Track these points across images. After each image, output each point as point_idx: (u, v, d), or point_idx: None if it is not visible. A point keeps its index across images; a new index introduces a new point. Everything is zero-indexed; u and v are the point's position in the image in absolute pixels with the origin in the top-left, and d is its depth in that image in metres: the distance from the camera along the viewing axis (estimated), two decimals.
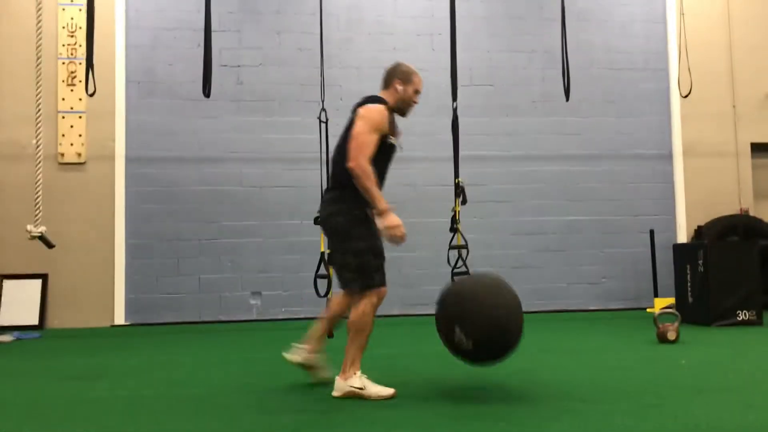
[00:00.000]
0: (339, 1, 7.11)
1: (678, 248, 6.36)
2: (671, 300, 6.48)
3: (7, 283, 6.48)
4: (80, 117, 6.70)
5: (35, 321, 6.41)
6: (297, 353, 3.37)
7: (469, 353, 2.99)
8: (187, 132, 6.85)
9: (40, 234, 5.47)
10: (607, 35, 7.47)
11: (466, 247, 4.84)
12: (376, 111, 3.17)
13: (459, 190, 4.66)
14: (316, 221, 4.08)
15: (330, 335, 3.98)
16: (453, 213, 4.89)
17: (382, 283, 3.08)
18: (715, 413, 2.65)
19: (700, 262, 5.78)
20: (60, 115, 6.67)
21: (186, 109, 6.85)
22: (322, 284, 3.91)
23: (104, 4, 6.53)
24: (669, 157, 7.44)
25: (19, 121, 6.49)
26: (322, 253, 3.98)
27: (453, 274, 4.75)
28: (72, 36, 6.73)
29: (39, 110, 5.59)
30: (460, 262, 4.80)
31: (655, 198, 7.39)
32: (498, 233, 7.01)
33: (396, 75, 3.34)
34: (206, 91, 4.79)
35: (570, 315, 6.83)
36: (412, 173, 6.95)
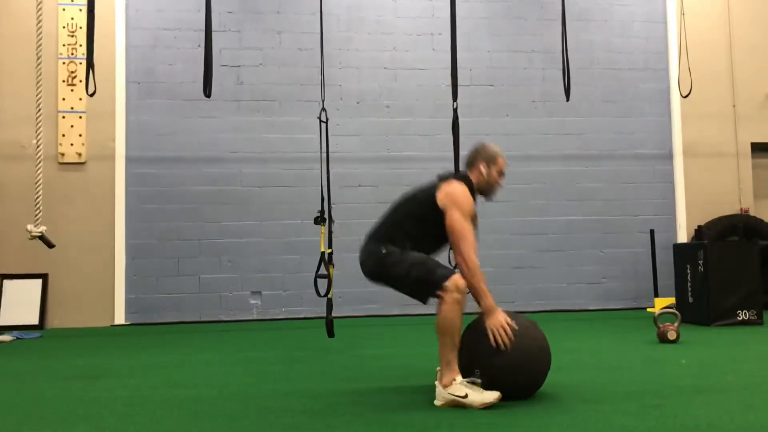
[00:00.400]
0: (339, 1, 7.11)
1: (678, 248, 6.36)
2: (671, 300, 6.48)
3: (7, 283, 6.49)
4: (80, 117, 6.70)
5: (35, 321, 6.41)
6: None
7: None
8: (187, 132, 6.85)
9: (40, 234, 5.47)
10: (607, 35, 7.47)
11: None
12: (464, 196, 3.04)
13: None
14: (316, 221, 4.08)
15: (331, 335, 3.98)
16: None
17: (446, 274, 2.92)
18: (715, 413, 2.65)
19: (700, 262, 5.78)
20: (60, 115, 6.67)
21: (186, 109, 6.86)
22: (322, 284, 3.90)
23: (104, 4, 6.53)
24: (669, 157, 7.44)
25: (19, 121, 6.49)
26: (322, 253, 3.97)
27: None
28: (72, 36, 6.73)
29: (39, 110, 5.59)
30: None
31: (655, 198, 7.39)
32: (498, 233, 7.02)
33: (481, 156, 3.20)
34: (207, 91, 4.78)
35: (570, 315, 6.83)
36: (412, 173, 6.94)
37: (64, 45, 6.72)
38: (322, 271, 3.94)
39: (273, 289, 6.84)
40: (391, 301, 6.92)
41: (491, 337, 2.87)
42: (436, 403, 2.92)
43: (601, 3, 7.50)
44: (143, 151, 6.77)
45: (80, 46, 6.67)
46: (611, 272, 7.26)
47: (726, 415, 2.62)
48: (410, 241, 3.09)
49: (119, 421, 2.73)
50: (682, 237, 7.31)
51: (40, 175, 5.58)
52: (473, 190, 3.15)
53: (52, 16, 6.58)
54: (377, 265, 3.09)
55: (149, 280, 6.69)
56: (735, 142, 7.53)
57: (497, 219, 7.01)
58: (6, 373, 4.04)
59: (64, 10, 6.74)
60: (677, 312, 4.92)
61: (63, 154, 6.64)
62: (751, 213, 7.38)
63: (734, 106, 7.54)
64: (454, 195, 3.04)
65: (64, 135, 6.66)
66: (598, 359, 4.10)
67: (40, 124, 5.57)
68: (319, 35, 4.81)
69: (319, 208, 4.11)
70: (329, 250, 4.00)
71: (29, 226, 5.47)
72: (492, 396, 2.81)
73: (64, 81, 6.70)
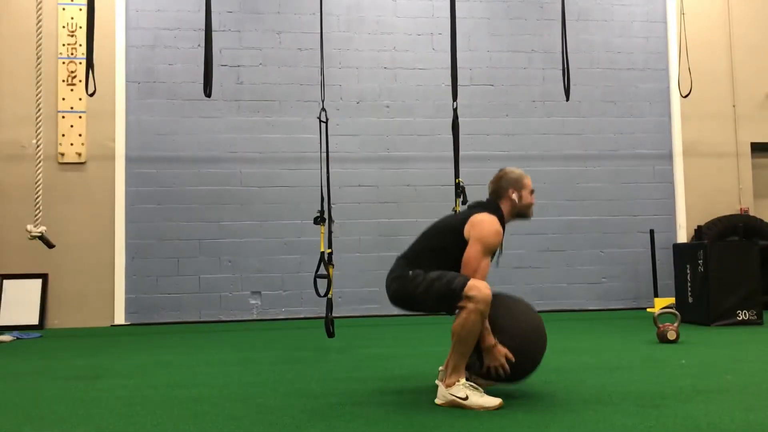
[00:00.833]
0: (339, 1, 7.11)
1: (678, 248, 6.36)
2: (671, 300, 6.49)
3: (7, 283, 6.49)
4: (80, 117, 6.70)
5: (35, 321, 6.41)
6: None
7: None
8: (187, 132, 6.85)
9: (40, 234, 5.47)
10: (607, 35, 7.47)
11: None
12: (494, 234, 2.97)
13: (459, 190, 4.64)
14: (316, 221, 4.08)
15: (331, 335, 3.98)
16: (453, 213, 4.87)
17: (464, 282, 2.86)
18: (715, 413, 2.65)
19: (700, 262, 5.78)
20: (60, 115, 6.67)
21: (186, 109, 6.86)
22: (322, 284, 3.91)
23: (104, 4, 6.54)
24: (669, 157, 7.44)
25: (19, 121, 6.49)
26: (322, 253, 3.97)
27: None
28: (72, 36, 6.73)
29: (39, 110, 5.59)
30: None
31: (655, 198, 7.40)
32: None
33: (508, 184, 3.15)
34: (207, 91, 4.78)
35: (570, 315, 6.83)
36: (412, 173, 6.95)
37: (64, 45, 6.72)
38: (322, 271, 3.94)
39: (273, 289, 6.84)
40: None
41: (492, 371, 2.92)
42: (437, 402, 2.92)
43: (601, 3, 7.50)
44: (143, 151, 6.77)
45: (80, 45, 6.67)
46: (611, 272, 7.26)
47: (726, 415, 2.62)
48: (438, 269, 3.01)
49: (119, 421, 2.73)
50: (682, 237, 7.31)
51: (40, 175, 5.58)
52: (503, 220, 3.11)
53: (52, 15, 6.58)
54: (402, 286, 3.03)
55: (149, 280, 6.69)
56: (735, 142, 7.53)
57: None
58: (6, 373, 4.03)
59: (64, 9, 6.74)
60: (677, 312, 4.92)
61: (63, 154, 6.64)
62: (751, 213, 7.38)
63: (734, 106, 7.54)
64: (481, 227, 2.99)
65: (63, 135, 6.66)
66: (598, 359, 4.10)
67: (40, 124, 5.57)
68: (319, 35, 4.81)
69: (319, 208, 4.11)
70: (329, 250, 4.00)
71: (29, 226, 5.47)
72: (492, 402, 2.81)
73: (63, 81, 6.70)
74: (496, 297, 2.97)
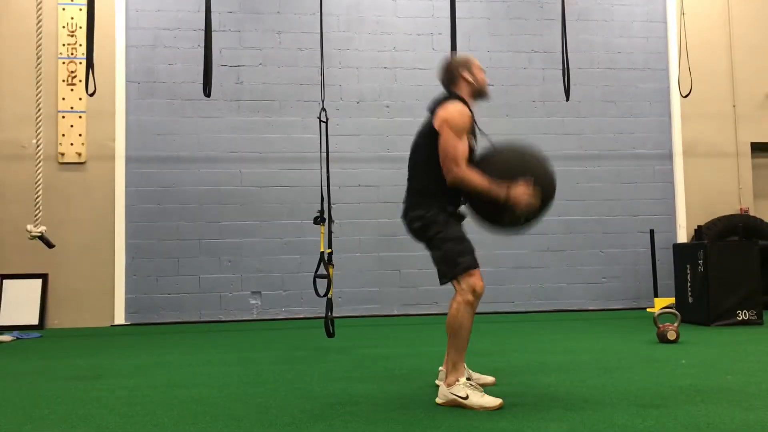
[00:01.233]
0: (339, 1, 7.11)
1: (678, 248, 6.36)
2: (671, 300, 6.48)
3: (7, 283, 6.49)
4: (80, 117, 6.70)
5: (35, 321, 6.41)
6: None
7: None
8: (187, 132, 6.85)
9: (40, 234, 5.47)
10: (607, 35, 7.47)
11: None
12: (458, 113, 3.00)
13: None
14: (316, 221, 4.08)
15: (330, 335, 3.97)
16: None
17: (471, 266, 2.92)
18: (715, 413, 2.65)
19: (700, 262, 5.78)
20: (60, 115, 6.67)
21: (186, 109, 6.86)
22: (322, 284, 3.90)
23: (104, 4, 6.53)
24: (669, 157, 7.44)
25: (19, 121, 6.49)
26: (322, 253, 3.97)
27: None
28: (72, 35, 6.73)
29: (39, 110, 5.59)
30: None
31: (655, 198, 7.39)
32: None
33: (458, 66, 3.23)
34: (206, 91, 4.79)
35: (570, 315, 6.83)
36: None
37: (64, 45, 6.72)
38: (322, 271, 3.94)
39: (273, 289, 6.84)
40: (391, 301, 6.93)
41: (519, 208, 2.95)
42: (438, 401, 2.92)
43: (601, 3, 7.50)
44: (143, 151, 6.77)
45: (80, 45, 6.67)
46: (611, 272, 7.26)
47: (726, 415, 2.62)
48: (437, 185, 3.06)
49: (119, 421, 2.73)
50: (682, 237, 7.31)
51: (40, 175, 5.58)
52: (467, 103, 3.14)
53: (52, 15, 6.58)
54: (422, 229, 3.07)
55: (149, 280, 6.69)
56: (735, 142, 7.53)
57: None
58: (6, 373, 4.04)
59: (64, 9, 6.74)
60: (677, 312, 4.92)
61: (63, 154, 6.64)
62: (751, 213, 7.38)
63: (734, 106, 7.54)
64: (446, 116, 3.02)
65: (63, 135, 6.66)
66: (598, 359, 4.10)
67: (40, 124, 5.57)
68: (319, 35, 4.81)
69: (319, 208, 4.11)
70: (329, 250, 4.00)
71: (29, 226, 5.47)
72: (492, 402, 2.81)
73: (64, 81, 6.70)
74: (481, 161, 3.02)
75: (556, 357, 4.21)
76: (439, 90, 3.14)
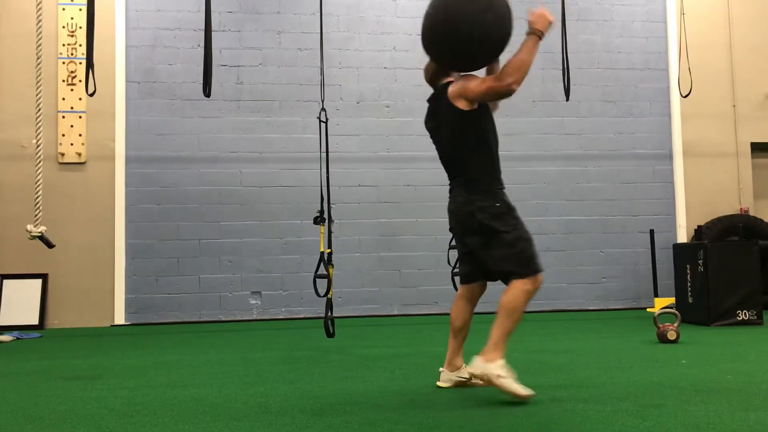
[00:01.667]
0: (339, 1, 7.11)
1: (678, 248, 6.36)
2: (671, 300, 6.48)
3: (7, 283, 6.49)
4: (80, 117, 6.70)
5: (35, 321, 6.42)
6: (445, 378, 3.26)
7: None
8: (187, 132, 6.85)
9: (40, 234, 5.47)
10: (607, 35, 7.47)
11: None
12: (462, 78, 3.18)
13: None
14: (316, 221, 4.08)
15: (330, 335, 3.97)
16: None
17: (539, 269, 3.02)
18: (715, 413, 2.65)
19: (700, 262, 5.78)
20: (60, 115, 6.67)
21: (186, 109, 6.86)
22: (322, 284, 3.90)
23: (104, 4, 6.54)
24: (669, 157, 7.44)
25: (19, 121, 6.49)
26: (322, 253, 3.97)
27: (453, 275, 4.74)
28: (72, 36, 6.73)
29: (39, 110, 5.58)
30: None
31: (655, 198, 7.40)
32: None
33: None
34: (206, 91, 4.79)
35: (570, 315, 6.84)
36: (412, 173, 6.95)
37: (63, 45, 6.72)
38: (322, 271, 3.93)
39: (273, 289, 6.84)
40: (391, 301, 6.93)
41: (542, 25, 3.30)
42: (469, 370, 3.00)
43: (601, 3, 7.50)
44: (143, 151, 6.77)
45: (80, 45, 6.67)
46: (611, 272, 7.26)
47: (726, 415, 2.62)
48: (486, 164, 3.17)
49: (119, 421, 2.73)
50: (682, 237, 7.31)
51: (40, 175, 5.58)
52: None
53: (52, 16, 6.58)
54: (487, 224, 3.02)
55: (149, 280, 6.69)
56: (735, 142, 7.53)
57: None
58: (6, 373, 4.04)
59: (64, 9, 6.74)
60: (677, 312, 4.92)
61: (63, 154, 6.64)
62: (751, 213, 7.38)
63: (734, 106, 7.54)
64: (456, 86, 3.14)
65: (63, 135, 6.66)
66: (598, 359, 4.10)
67: (39, 124, 5.57)
68: (319, 35, 4.81)
69: (319, 208, 4.10)
70: (329, 250, 4.00)
71: (29, 226, 5.47)
72: (523, 390, 2.86)
73: (63, 81, 6.70)
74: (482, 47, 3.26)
75: (556, 357, 4.21)
76: None
